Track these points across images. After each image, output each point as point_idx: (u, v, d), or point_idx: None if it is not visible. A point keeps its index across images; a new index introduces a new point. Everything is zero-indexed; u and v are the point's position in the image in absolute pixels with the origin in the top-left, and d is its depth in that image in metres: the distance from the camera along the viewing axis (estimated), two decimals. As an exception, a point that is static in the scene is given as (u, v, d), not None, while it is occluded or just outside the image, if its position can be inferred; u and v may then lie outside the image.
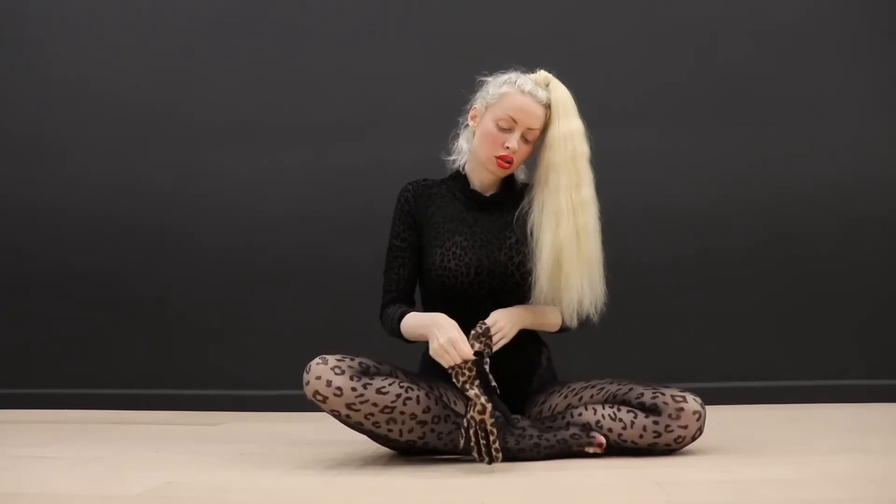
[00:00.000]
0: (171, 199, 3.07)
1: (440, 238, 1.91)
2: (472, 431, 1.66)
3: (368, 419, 1.67)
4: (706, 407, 1.76)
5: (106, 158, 3.11)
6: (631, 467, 1.64)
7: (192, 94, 3.09)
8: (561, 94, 1.88)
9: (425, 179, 2.03)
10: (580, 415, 1.78)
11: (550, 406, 1.88)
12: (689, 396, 1.73)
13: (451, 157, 2.04)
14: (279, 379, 2.90)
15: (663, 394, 1.73)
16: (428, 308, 1.96)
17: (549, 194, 1.83)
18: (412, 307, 1.93)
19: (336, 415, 1.68)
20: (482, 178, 1.97)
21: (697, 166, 2.87)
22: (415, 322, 1.84)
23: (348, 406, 1.66)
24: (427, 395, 1.71)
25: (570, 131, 1.84)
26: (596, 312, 1.85)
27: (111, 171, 3.11)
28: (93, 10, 3.15)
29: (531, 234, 1.86)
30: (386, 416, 1.67)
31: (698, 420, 1.73)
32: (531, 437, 1.74)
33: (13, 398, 3.03)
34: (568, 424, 1.77)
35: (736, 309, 2.81)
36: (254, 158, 3.04)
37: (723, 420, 2.33)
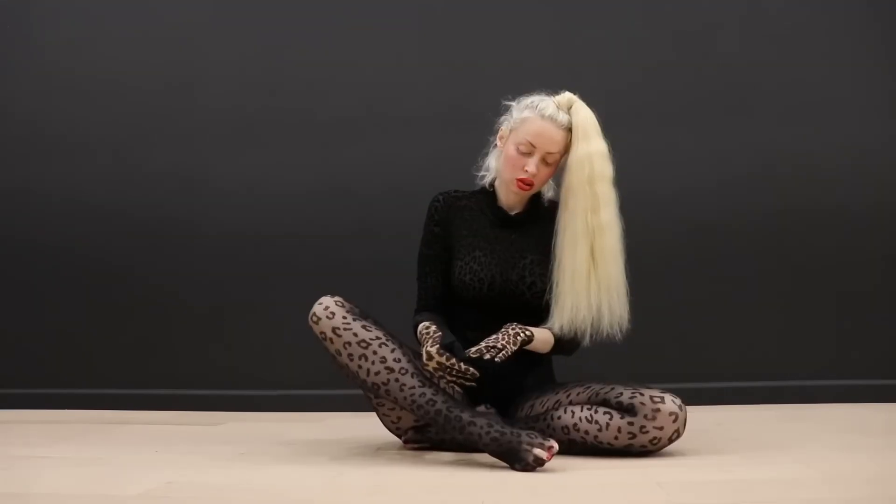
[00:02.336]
0: (171, 199, 3.06)
1: (462, 251, 2.00)
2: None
3: (346, 349, 1.77)
4: (688, 407, 1.75)
5: (104, 159, 3.10)
6: (631, 467, 1.64)
7: (194, 93, 3.09)
8: (583, 117, 1.91)
9: (455, 191, 2.09)
10: (559, 417, 1.81)
11: (543, 402, 1.91)
12: (668, 397, 1.72)
13: (481, 174, 2.10)
14: (279, 379, 2.90)
15: (642, 394, 1.73)
16: (456, 310, 2.03)
17: (569, 218, 1.90)
18: (438, 313, 2.01)
19: (322, 338, 1.78)
20: (508, 196, 2.04)
21: (697, 167, 2.86)
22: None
23: (333, 330, 1.77)
24: (404, 353, 1.78)
25: (588, 154, 1.88)
26: (621, 331, 1.89)
27: (111, 171, 3.10)
28: (94, 7, 3.15)
29: (553, 256, 1.91)
30: (360, 351, 1.76)
31: (675, 421, 1.71)
32: (488, 420, 1.71)
33: (13, 398, 3.02)
34: (548, 426, 1.81)
35: (736, 309, 2.81)
36: (255, 158, 3.04)
37: (723, 420, 2.33)
